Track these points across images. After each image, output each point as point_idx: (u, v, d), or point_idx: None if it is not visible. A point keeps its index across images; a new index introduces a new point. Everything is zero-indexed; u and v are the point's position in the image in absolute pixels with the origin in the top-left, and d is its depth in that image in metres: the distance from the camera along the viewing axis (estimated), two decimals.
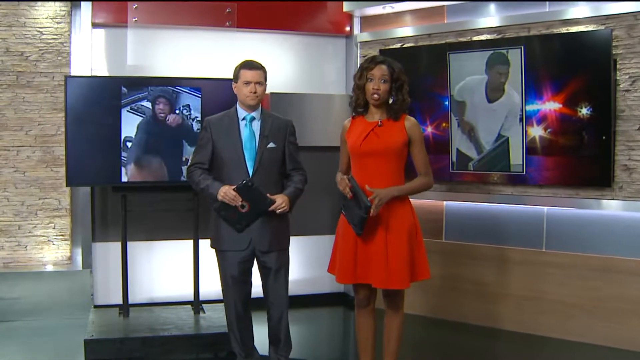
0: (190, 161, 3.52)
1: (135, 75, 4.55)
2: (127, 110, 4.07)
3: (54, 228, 4.78)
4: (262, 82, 3.30)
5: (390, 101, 3.17)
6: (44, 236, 4.77)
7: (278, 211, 3.21)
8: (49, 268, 4.72)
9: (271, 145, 3.28)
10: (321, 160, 4.59)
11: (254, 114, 3.31)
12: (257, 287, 3.42)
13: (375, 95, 3.11)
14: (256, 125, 3.30)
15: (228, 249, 3.30)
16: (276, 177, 3.32)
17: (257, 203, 3.18)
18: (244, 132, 3.28)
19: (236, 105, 3.35)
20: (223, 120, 3.33)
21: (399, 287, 3.11)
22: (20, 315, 4.48)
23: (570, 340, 4.19)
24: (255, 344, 3.54)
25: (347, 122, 3.27)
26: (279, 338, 3.41)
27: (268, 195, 3.19)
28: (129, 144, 4.08)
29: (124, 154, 4.08)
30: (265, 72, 3.33)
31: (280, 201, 3.20)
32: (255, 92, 3.24)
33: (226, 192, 3.15)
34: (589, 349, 4.07)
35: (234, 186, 3.16)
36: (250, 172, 3.24)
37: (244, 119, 3.30)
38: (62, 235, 4.80)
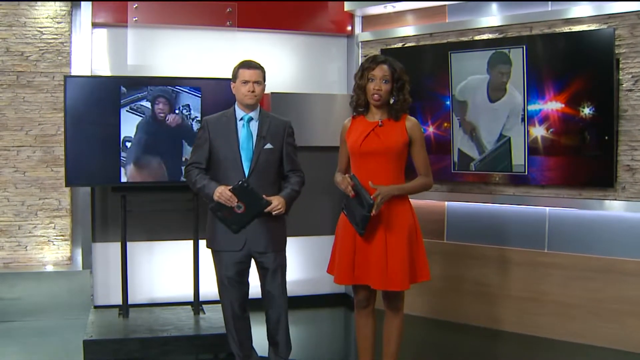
0: (187, 160, 3.50)
1: (135, 75, 4.54)
2: (127, 110, 4.06)
3: (54, 228, 4.77)
4: (261, 81, 3.28)
5: (392, 101, 3.16)
6: (44, 236, 4.76)
7: (274, 213, 3.19)
8: (49, 268, 4.71)
9: (268, 146, 3.26)
10: (322, 160, 4.56)
11: (252, 114, 3.29)
12: (256, 288, 3.41)
13: (376, 96, 3.09)
14: (254, 125, 3.28)
15: (223, 249, 3.28)
16: (273, 178, 3.30)
17: (252, 204, 3.16)
18: (242, 133, 3.26)
19: (234, 105, 3.33)
20: (221, 120, 3.31)
21: (399, 288, 3.09)
22: (20, 315, 4.47)
23: (572, 341, 4.16)
24: (256, 345, 3.52)
25: (347, 122, 3.25)
26: (278, 340, 3.38)
27: (264, 196, 3.18)
28: (128, 144, 4.07)
29: (123, 154, 4.07)
30: (263, 71, 3.31)
31: (276, 203, 3.19)
32: (253, 92, 3.23)
33: (222, 193, 3.14)
34: (591, 350, 4.05)
35: (230, 187, 3.14)
36: (247, 173, 3.22)
37: (241, 119, 3.28)
38: (62, 236, 4.79)
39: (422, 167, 3.20)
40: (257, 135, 3.26)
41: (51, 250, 4.78)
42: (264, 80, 3.32)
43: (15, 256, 4.71)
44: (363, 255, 3.12)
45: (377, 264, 3.07)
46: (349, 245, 3.14)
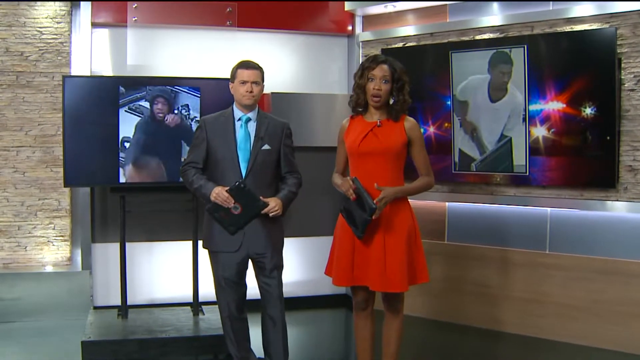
0: (184, 160, 3.48)
1: (133, 75, 4.53)
2: (125, 110, 4.05)
3: (53, 229, 4.76)
4: (259, 82, 3.26)
5: (391, 102, 3.13)
6: (43, 237, 4.75)
7: (271, 214, 3.17)
8: (49, 269, 4.70)
9: (266, 147, 3.24)
10: (323, 160, 4.53)
11: (250, 114, 3.27)
12: (255, 289, 3.38)
13: (376, 97, 3.07)
14: (252, 126, 3.26)
15: (220, 249, 3.27)
16: (270, 179, 3.28)
17: (249, 205, 3.14)
18: (239, 133, 3.24)
19: (233, 106, 3.31)
20: (219, 120, 3.29)
21: (398, 290, 3.07)
22: (20, 316, 4.46)
23: (574, 343, 4.13)
24: (254, 346, 3.50)
25: (346, 122, 3.23)
26: (274, 343, 3.34)
27: (261, 197, 3.16)
28: (127, 145, 4.06)
29: (121, 154, 4.05)
30: (262, 72, 3.29)
31: (273, 204, 3.17)
32: (251, 92, 3.21)
33: (218, 193, 3.12)
34: (593, 352, 4.02)
35: (227, 187, 3.13)
36: (244, 173, 3.20)
37: (239, 119, 3.27)
38: (62, 236, 4.78)
39: (422, 167, 3.17)
40: (254, 136, 3.25)
41: (51, 250, 4.77)
42: (263, 81, 3.30)
43: (14, 257, 4.71)
44: (362, 257, 3.10)
45: (375, 265, 3.05)
46: (348, 246, 3.12)
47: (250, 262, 3.33)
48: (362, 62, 3.19)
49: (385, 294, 3.15)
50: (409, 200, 3.17)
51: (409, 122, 3.12)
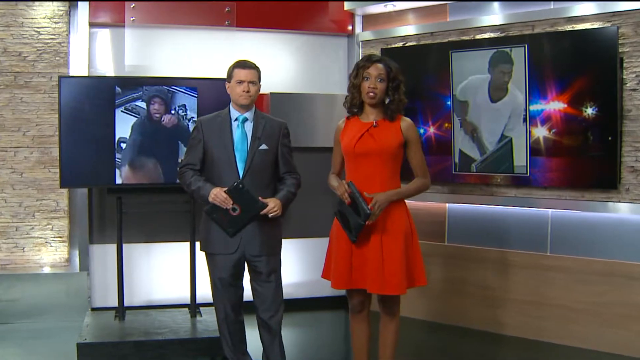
0: (181, 161, 3.45)
1: (129, 75, 4.50)
2: (122, 111, 4.02)
3: (51, 230, 4.75)
4: (256, 81, 3.22)
5: (387, 101, 3.10)
6: (41, 238, 4.74)
7: (270, 215, 3.14)
8: (47, 270, 4.69)
9: (263, 147, 3.20)
10: (322, 161, 4.46)
11: (247, 114, 3.24)
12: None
13: (371, 94, 3.04)
14: (249, 126, 3.23)
15: (217, 251, 3.23)
16: (268, 179, 3.24)
17: (248, 206, 3.11)
18: (236, 133, 3.21)
19: (229, 106, 3.28)
20: (215, 120, 3.26)
21: (395, 292, 3.04)
22: (18, 317, 4.45)
23: (575, 346, 4.09)
24: (250, 349, 3.47)
25: (342, 123, 3.21)
26: (270, 346, 3.30)
27: (260, 198, 3.12)
28: (123, 145, 4.03)
29: (118, 155, 4.03)
30: (259, 71, 3.26)
31: (272, 205, 3.13)
32: (248, 92, 3.18)
33: (217, 194, 3.09)
34: (595, 355, 3.97)
35: (226, 188, 3.09)
36: (241, 174, 3.16)
37: (236, 119, 3.23)
38: (60, 237, 4.77)
39: (419, 169, 3.14)
40: (251, 136, 3.21)
41: (49, 251, 4.75)
42: (260, 81, 3.27)
43: (12, 258, 4.70)
44: (359, 259, 3.07)
45: (372, 267, 3.02)
46: (345, 249, 3.09)
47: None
48: (357, 62, 3.17)
49: (382, 297, 3.12)
50: (405, 202, 3.13)
51: (405, 122, 3.09)
